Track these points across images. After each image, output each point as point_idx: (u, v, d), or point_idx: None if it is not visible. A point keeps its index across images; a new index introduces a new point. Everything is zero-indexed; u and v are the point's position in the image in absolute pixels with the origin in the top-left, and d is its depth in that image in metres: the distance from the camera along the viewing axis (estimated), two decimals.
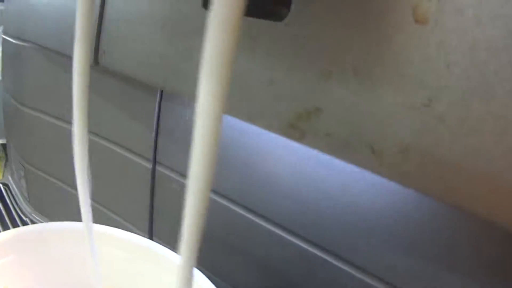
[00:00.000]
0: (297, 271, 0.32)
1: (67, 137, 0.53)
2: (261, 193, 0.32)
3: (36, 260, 0.31)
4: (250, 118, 0.24)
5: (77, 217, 0.26)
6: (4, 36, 0.65)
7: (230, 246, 0.36)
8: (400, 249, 0.26)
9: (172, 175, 0.38)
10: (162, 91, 0.37)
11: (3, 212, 0.65)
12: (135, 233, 0.44)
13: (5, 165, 0.86)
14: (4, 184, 0.73)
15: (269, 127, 0.23)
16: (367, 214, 0.27)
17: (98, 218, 0.26)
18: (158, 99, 0.37)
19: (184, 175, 0.38)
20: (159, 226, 0.42)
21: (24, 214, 0.65)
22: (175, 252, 0.31)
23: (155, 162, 0.39)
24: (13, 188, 0.71)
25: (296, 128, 0.22)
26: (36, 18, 0.50)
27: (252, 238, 0.34)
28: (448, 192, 0.18)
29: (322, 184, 0.29)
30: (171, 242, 0.31)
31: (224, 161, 0.33)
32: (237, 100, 0.24)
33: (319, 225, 0.30)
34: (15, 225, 0.63)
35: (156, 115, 0.38)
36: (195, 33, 0.26)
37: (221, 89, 0.13)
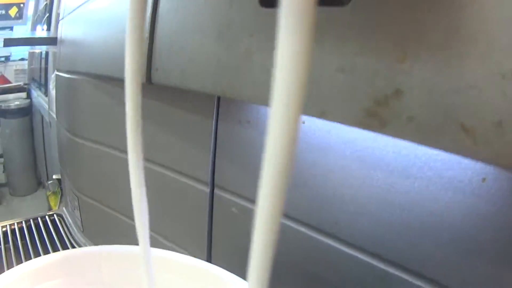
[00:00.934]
0: None
1: (121, 166, 0.53)
2: (330, 211, 0.30)
3: (87, 284, 0.30)
4: (323, 113, 0.22)
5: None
6: (57, 73, 0.68)
7: (301, 271, 0.33)
8: (478, 260, 0.23)
9: (232, 198, 0.36)
10: (218, 111, 0.35)
11: (57, 242, 0.66)
12: None
13: (61, 200, 0.89)
14: (58, 215, 0.75)
15: (344, 120, 0.21)
16: (442, 224, 0.24)
17: (154, 246, 0.24)
18: (214, 120, 0.36)
19: (244, 197, 0.36)
20: (218, 251, 0.40)
21: (78, 244, 0.66)
22: (236, 276, 0.29)
23: (213, 185, 0.38)
24: (67, 219, 0.73)
25: (374, 116, 0.20)
26: (86, 51, 0.52)
27: (324, 260, 0.31)
28: None
29: (393, 194, 0.26)
30: (230, 267, 0.29)
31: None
32: (307, 96, 0.22)
33: (389, 238, 0.27)
34: None
35: (213, 136, 0.36)
36: (253, 35, 0.25)
37: (299, 84, 0.12)
